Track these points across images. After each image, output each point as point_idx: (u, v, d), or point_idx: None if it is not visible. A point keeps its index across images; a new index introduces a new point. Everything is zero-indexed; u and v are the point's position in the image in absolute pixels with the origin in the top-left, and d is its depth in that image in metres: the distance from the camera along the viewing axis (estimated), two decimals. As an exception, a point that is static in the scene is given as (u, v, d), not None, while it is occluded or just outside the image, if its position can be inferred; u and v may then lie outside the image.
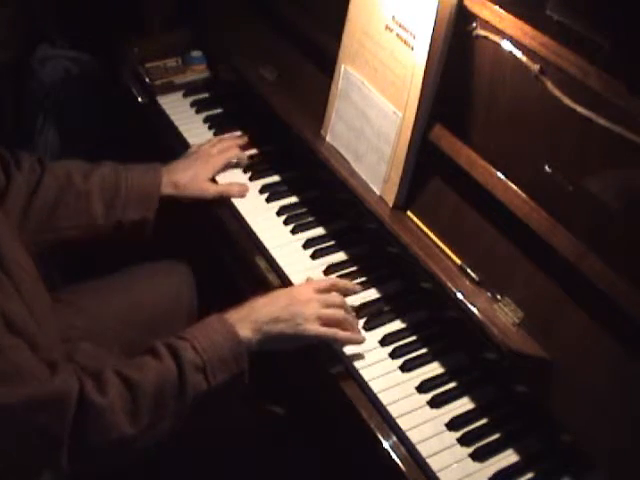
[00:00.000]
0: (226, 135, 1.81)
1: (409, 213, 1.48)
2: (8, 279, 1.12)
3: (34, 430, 1.08)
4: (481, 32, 1.34)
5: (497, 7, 1.30)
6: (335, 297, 1.39)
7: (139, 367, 1.18)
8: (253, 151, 1.80)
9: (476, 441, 1.25)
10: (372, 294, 1.48)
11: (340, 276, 1.50)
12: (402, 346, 1.38)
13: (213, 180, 1.69)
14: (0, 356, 1.05)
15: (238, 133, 1.82)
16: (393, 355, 1.36)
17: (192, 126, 1.87)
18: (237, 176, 1.72)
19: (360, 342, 1.36)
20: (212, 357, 1.22)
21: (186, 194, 1.61)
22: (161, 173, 1.60)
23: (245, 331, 1.27)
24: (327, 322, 1.34)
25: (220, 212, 1.65)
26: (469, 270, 1.35)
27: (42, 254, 1.41)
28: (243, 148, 1.77)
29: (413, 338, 1.40)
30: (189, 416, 1.22)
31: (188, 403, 1.20)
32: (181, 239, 1.80)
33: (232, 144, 1.76)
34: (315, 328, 1.32)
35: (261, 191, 1.69)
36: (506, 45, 1.30)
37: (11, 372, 1.06)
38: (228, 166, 1.72)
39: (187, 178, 1.62)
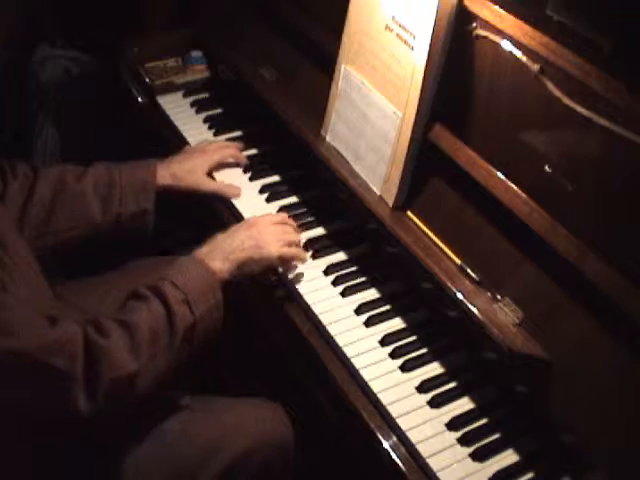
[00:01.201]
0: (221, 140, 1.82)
1: (409, 213, 1.48)
2: (13, 264, 1.15)
3: (49, 375, 1.12)
4: (481, 32, 1.34)
5: (497, 7, 1.31)
6: (289, 222, 1.52)
7: (130, 309, 1.25)
8: (253, 151, 1.80)
9: (476, 441, 1.25)
10: (372, 294, 1.48)
11: (340, 276, 1.50)
12: (402, 346, 1.38)
13: (210, 177, 1.69)
14: (6, 311, 1.09)
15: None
16: (393, 355, 1.36)
17: (192, 126, 1.87)
18: (237, 176, 1.72)
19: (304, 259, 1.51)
20: (191, 290, 1.29)
21: (182, 185, 1.62)
22: (155, 165, 1.60)
23: (215, 263, 1.36)
24: (287, 244, 1.46)
25: (220, 212, 1.65)
26: (469, 270, 1.35)
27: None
28: (241, 149, 1.77)
29: (413, 338, 1.40)
30: (183, 353, 1.27)
31: (180, 336, 1.25)
32: (181, 239, 1.80)
33: (228, 144, 1.77)
34: (277, 249, 1.44)
35: (261, 191, 1.69)
36: (506, 45, 1.30)
37: (14, 324, 1.10)
38: (225, 165, 1.72)
39: (184, 169, 1.63)
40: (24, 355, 1.10)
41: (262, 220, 1.49)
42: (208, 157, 1.68)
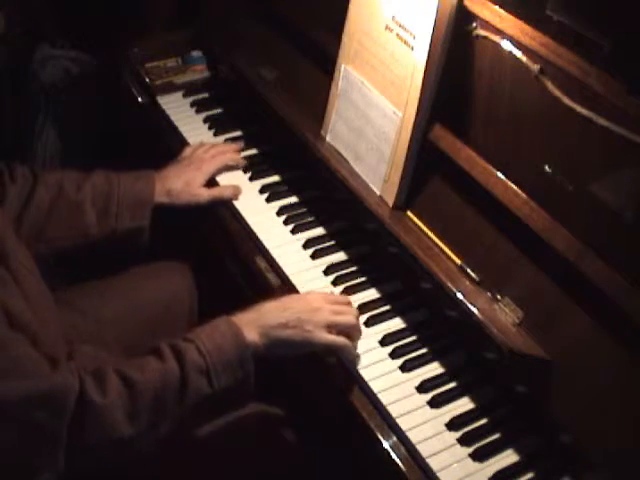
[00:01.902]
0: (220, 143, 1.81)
1: (409, 213, 1.48)
2: (12, 278, 1.13)
3: (32, 426, 1.07)
4: (481, 32, 1.34)
5: (497, 7, 1.31)
6: (347, 307, 1.36)
7: (141, 367, 1.17)
8: (253, 151, 1.80)
9: (476, 441, 1.25)
10: (372, 294, 1.48)
11: (340, 276, 1.50)
12: (402, 346, 1.38)
13: (214, 182, 1.68)
14: (1, 351, 1.05)
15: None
16: (393, 355, 1.36)
17: (192, 126, 1.87)
18: (237, 176, 1.72)
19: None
20: (216, 360, 1.19)
21: (179, 202, 1.60)
22: (154, 181, 1.58)
23: (252, 335, 1.24)
24: (337, 331, 1.31)
25: (220, 212, 1.65)
26: (469, 270, 1.35)
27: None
28: (240, 151, 1.77)
29: (413, 338, 1.40)
30: (192, 420, 1.21)
31: (190, 406, 1.18)
32: (181, 239, 1.80)
33: (226, 149, 1.75)
34: (324, 336, 1.29)
35: (261, 191, 1.69)
36: (506, 45, 1.30)
37: (11, 367, 1.05)
38: (224, 169, 1.71)
39: (179, 185, 1.60)
40: (15, 401, 1.05)
41: (319, 296, 1.35)
42: (205, 169, 1.66)
